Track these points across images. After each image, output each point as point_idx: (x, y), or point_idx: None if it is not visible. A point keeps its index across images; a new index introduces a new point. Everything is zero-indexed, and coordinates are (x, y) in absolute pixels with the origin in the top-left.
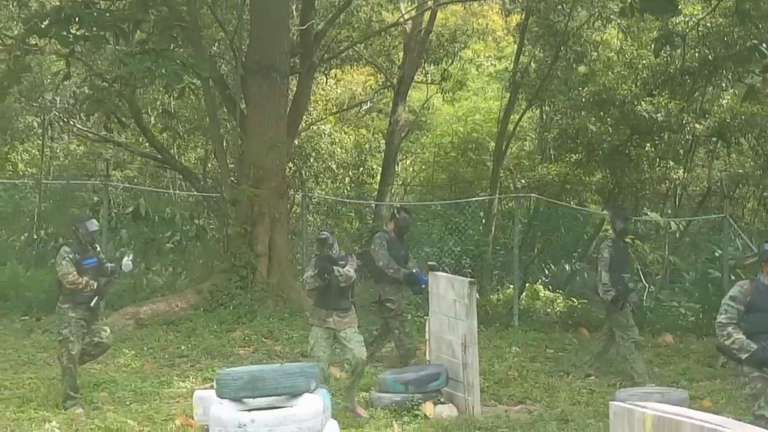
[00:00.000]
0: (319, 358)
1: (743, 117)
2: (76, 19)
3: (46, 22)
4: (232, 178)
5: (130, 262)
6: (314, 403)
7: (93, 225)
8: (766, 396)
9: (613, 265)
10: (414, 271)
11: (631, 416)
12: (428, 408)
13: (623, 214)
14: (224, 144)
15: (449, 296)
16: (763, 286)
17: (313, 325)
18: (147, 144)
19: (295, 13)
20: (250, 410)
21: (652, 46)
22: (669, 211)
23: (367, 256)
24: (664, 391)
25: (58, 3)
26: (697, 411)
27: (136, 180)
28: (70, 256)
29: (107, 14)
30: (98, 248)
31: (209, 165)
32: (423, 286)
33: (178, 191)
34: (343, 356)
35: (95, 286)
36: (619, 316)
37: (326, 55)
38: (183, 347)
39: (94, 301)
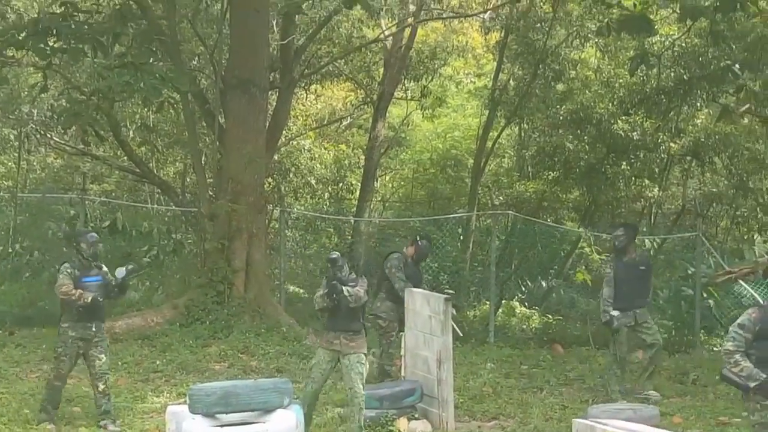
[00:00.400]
0: (314, 379)
1: (717, 136)
2: (54, 32)
3: (23, 34)
4: (211, 193)
5: (124, 269)
6: (287, 419)
7: (93, 236)
8: None
9: (618, 282)
10: None
11: None
12: (402, 424)
13: (619, 230)
14: (203, 158)
15: (425, 312)
16: None
17: (320, 346)
18: (125, 158)
19: (275, 28)
20: (222, 426)
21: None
22: (644, 229)
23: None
24: (635, 408)
25: (35, 15)
26: (657, 429)
27: (113, 194)
28: (69, 270)
29: (85, 27)
30: (104, 267)
31: (188, 179)
32: None
33: (156, 205)
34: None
35: (89, 300)
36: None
37: (306, 71)
38: (158, 362)
39: (83, 306)
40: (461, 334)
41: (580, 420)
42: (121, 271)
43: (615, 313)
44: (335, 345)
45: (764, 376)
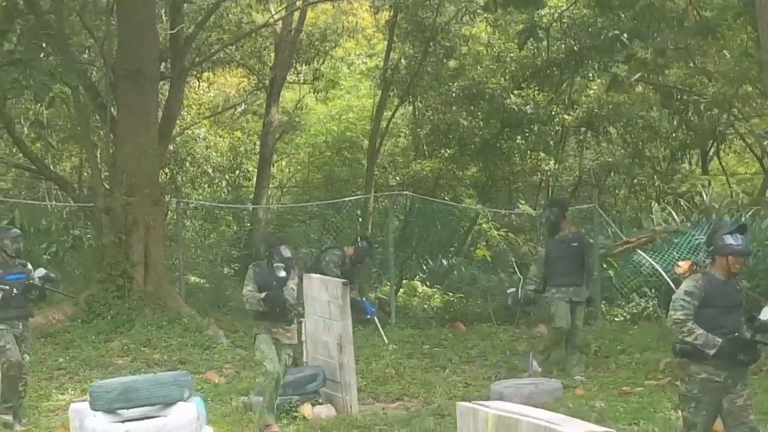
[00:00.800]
0: (272, 358)
1: (610, 106)
2: None
3: None
4: (106, 186)
5: (43, 269)
6: (188, 411)
7: (15, 232)
8: (698, 402)
9: (552, 260)
10: (362, 299)
11: (476, 416)
12: (306, 409)
13: (548, 209)
14: (97, 152)
15: (323, 297)
16: (716, 281)
17: (259, 333)
18: (21, 155)
19: (164, 17)
20: (123, 421)
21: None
22: (542, 202)
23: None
24: (537, 382)
25: None
26: (536, 409)
27: (10, 192)
28: None
29: None
30: (29, 266)
31: (85, 174)
32: (368, 316)
33: (53, 202)
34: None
35: None
36: (547, 309)
37: (197, 59)
38: (61, 359)
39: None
40: (387, 342)
41: (463, 403)
42: (40, 271)
43: (510, 290)
44: (274, 333)
45: (720, 340)
